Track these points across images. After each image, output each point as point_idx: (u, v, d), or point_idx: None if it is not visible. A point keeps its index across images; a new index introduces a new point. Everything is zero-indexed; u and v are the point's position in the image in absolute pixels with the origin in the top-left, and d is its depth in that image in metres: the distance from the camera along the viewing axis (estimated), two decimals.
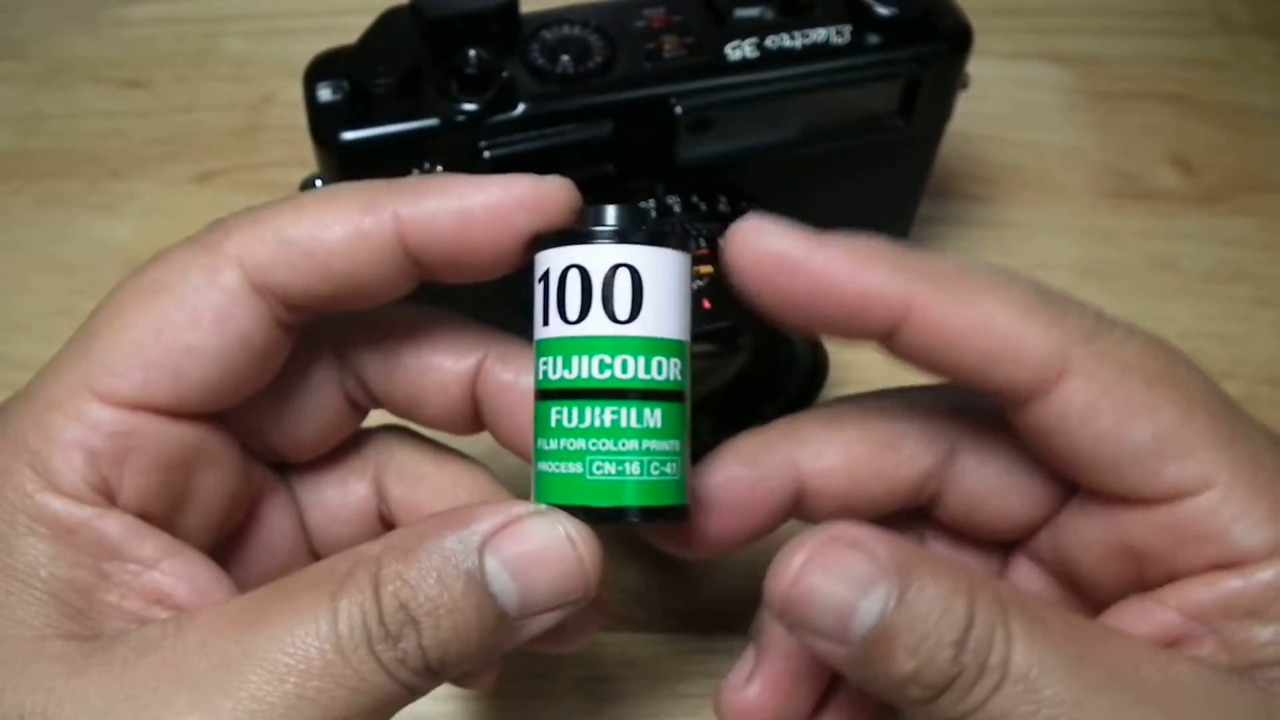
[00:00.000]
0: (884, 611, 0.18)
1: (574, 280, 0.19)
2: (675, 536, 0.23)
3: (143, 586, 0.20)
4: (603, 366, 0.19)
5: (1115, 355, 0.19)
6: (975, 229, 0.42)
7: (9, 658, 0.18)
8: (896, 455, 0.23)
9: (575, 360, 0.19)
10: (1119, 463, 0.20)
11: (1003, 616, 0.18)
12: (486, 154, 0.30)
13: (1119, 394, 0.19)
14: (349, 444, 0.25)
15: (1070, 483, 0.22)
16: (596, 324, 0.19)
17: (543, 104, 0.31)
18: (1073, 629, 0.19)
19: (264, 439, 0.23)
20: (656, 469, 0.20)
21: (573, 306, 0.19)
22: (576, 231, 0.20)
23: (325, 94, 0.31)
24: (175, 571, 0.20)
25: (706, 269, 0.27)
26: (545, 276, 0.20)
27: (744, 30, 0.32)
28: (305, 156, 0.31)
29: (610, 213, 0.20)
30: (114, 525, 0.20)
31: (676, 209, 0.31)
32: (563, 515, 0.19)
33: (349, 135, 0.30)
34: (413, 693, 0.19)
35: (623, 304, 0.19)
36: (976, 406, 0.23)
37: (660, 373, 0.20)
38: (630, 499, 0.20)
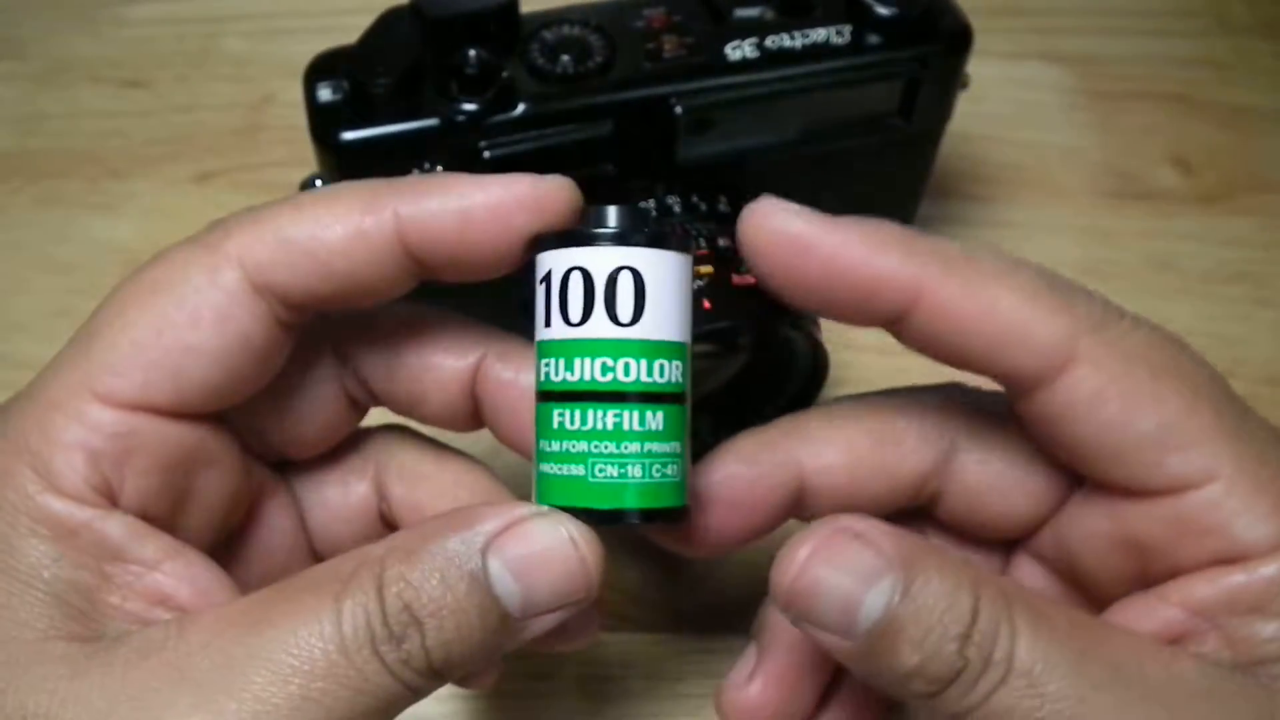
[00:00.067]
0: (889, 605, 0.18)
1: (576, 282, 0.19)
2: (676, 536, 0.23)
3: (145, 588, 0.20)
4: (605, 369, 0.19)
5: (1122, 345, 0.20)
6: (975, 229, 0.42)
7: (12, 659, 0.18)
8: (897, 453, 0.23)
9: (577, 362, 0.19)
10: (1123, 452, 0.20)
11: (1007, 611, 0.18)
12: (486, 154, 0.30)
13: (1125, 383, 0.19)
14: (349, 443, 0.25)
15: (1074, 473, 0.22)
16: (599, 326, 0.19)
17: (543, 104, 0.31)
18: (1076, 625, 0.19)
19: (264, 438, 0.23)
20: (658, 471, 0.20)
21: (575, 308, 0.19)
22: (578, 233, 0.20)
23: (325, 94, 0.31)
24: (177, 573, 0.20)
25: (706, 269, 0.27)
26: (547, 278, 0.20)
27: (744, 30, 0.32)
28: (305, 156, 0.31)
29: (612, 214, 0.20)
30: (116, 526, 0.20)
31: (676, 209, 0.31)
32: (565, 517, 0.20)
33: (349, 135, 0.30)
34: (416, 694, 0.19)
35: (625, 306, 0.19)
36: (977, 405, 0.23)
37: (662, 375, 0.20)
38: (631, 501, 0.20)
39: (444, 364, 0.23)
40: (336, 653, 0.18)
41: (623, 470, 0.19)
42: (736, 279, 0.26)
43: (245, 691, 0.18)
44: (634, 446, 0.19)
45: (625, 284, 0.19)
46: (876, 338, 0.21)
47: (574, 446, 0.20)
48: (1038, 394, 0.20)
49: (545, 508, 0.20)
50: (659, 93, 0.31)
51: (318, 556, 0.25)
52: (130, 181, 0.44)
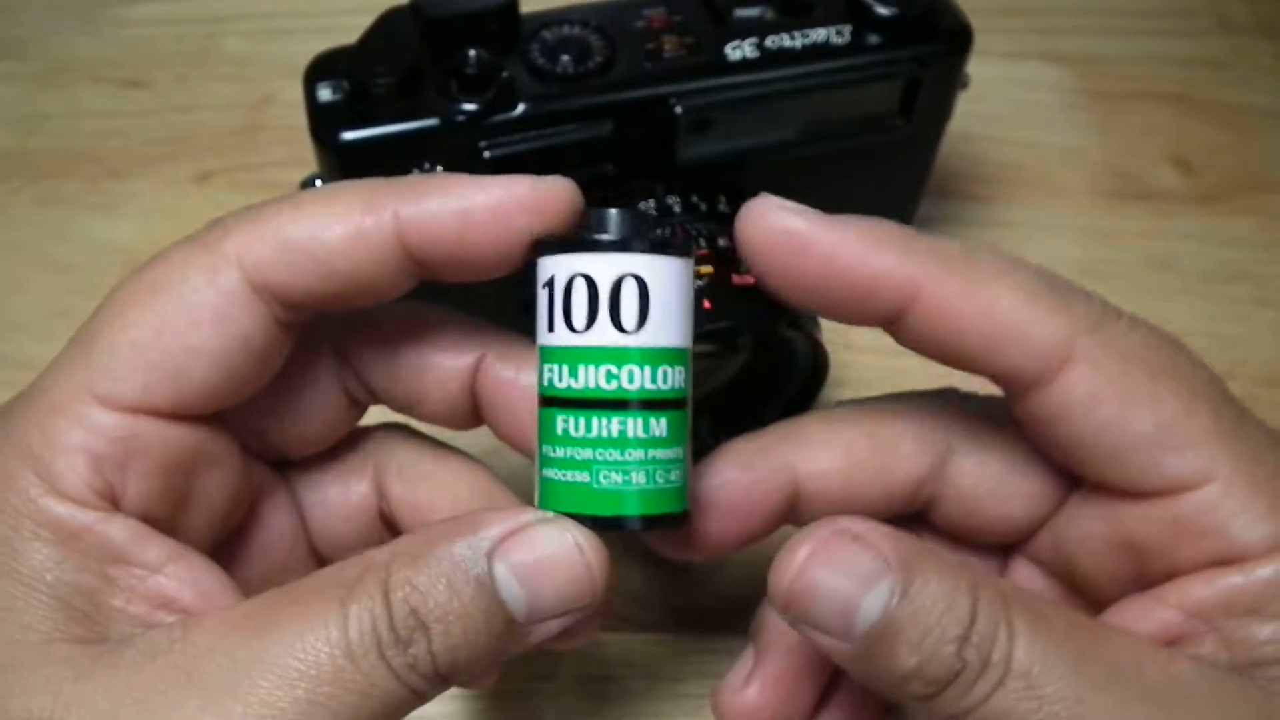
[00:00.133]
0: (887, 607, 0.18)
1: (580, 289, 0.19)
2: (672, 540, 0.23)
3: (148, 591, 0.20)
4: (609, 377, 0.19)
5: (1120, 345, 0.20)
6: (975, 229, 0.42)
7: (15, 661, 0.18)
8: (892, 458, 0.23)
9: (582, 370, 0.19)
10: (1120, 453, 0.20)
11: (1005, 613, 0.18)
12: (486, 154, 0.30)
13: (1122, 384, 0.19)
14: (348, 442, 0.25)
15: (1070, 474, 0.22)
16: (603, 334, 0.19)
17: (543, 104, 0.31)
18: (1074, 626, 0.19)
19: (264, 437, 0.23)
20: (661, 477, 0.20)
21: (579, 315, 0.19)
22: (583, 239, 0.20)
23: (325, 94, 0.31)
24: (180, 575, 0.20)
25: (706, 269, 0.27)
26: (550, 283, 0.20)
27: (744, 30, 0.32)
28: (305, 156, 0.31)
29: (615, 219, 0.20)
30: (118, 530, 0.20)
31: (676, 209, 0.31)
32: (570, 523, 0.20)
33: (349, 135, 0.30)
34: (420, 698, 0.19)
35: (630, 314, 0.19)
36: (973, 409, 0.23)
37: (665, 382, 0.20)
38: (634, 508, 0.20)
39: (444, 363, 0.23)
40: (343, 657, 0.18)
41: (627, 477, 0.20)
42: (736, 279, 0.26)
43: (251, 695, 0.18)
44: (638, 453, 0.20)
45: (629, 291, 0.19)
46: (876, 338, 0.21)
47: (579, 453, 0.20)
48: (1035, 394, 0.20)
49: (551, 513, 0.20)
50: (659, 93, 0.31)
51: (317, 555, 0.25)
52: (130, 181, 0.44)
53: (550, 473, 0.20)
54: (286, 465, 0.25)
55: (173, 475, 0.21)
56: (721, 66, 0.31)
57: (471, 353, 0.23)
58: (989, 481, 0.23)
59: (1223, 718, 0.19)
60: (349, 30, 0.31)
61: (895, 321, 0.20)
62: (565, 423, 0.20)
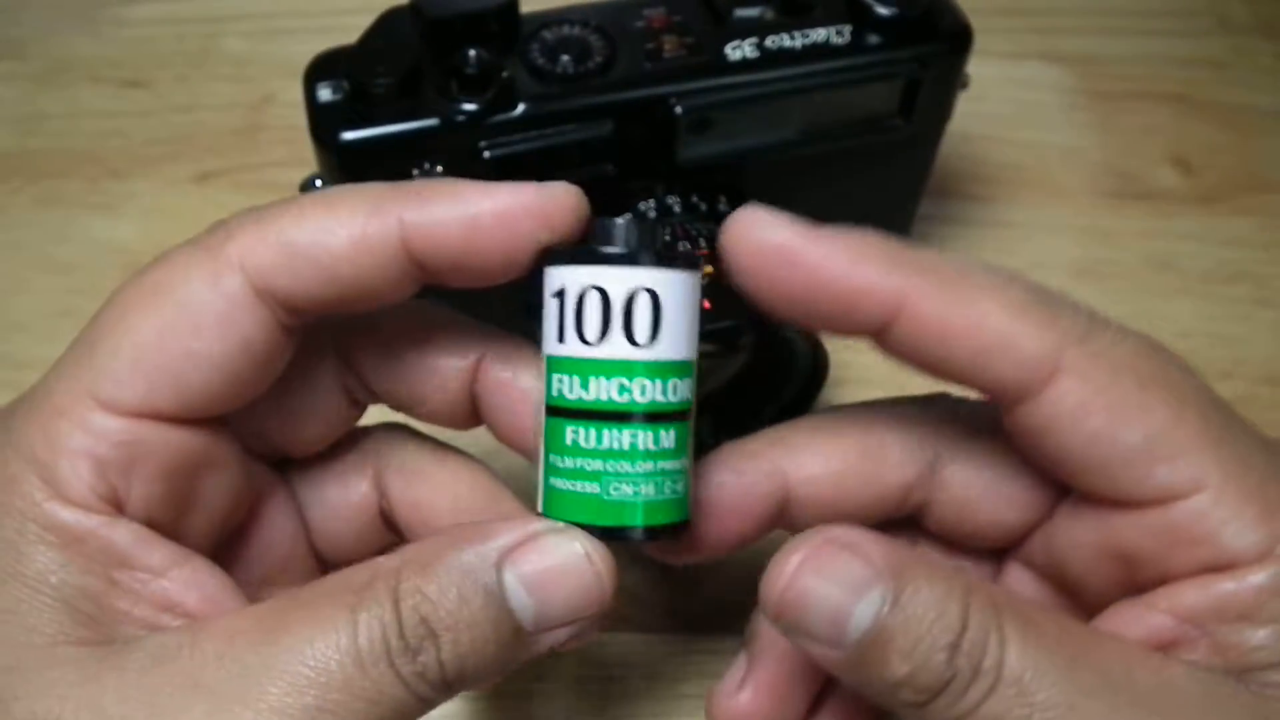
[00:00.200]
0: (878, 615, 0.18)
1: (593, 301, 0.19)
2: (667, 544, 0.23)
3: (152, 594, 0.20)
4: (622, 390, 0.19)
5: (1108, 356, 0.19)
6: (975, 229, 0.42)
7: (20, 664, 0.18)
8: (882, 463, 0.23)
9: (593, 382, 0.20)
10: (1110, 464, 0.20)
11: (997, 620, 0.18)
12: (486, 154, 0.30)
13: (1111, 395, 0.19)
14: (349, 442, 0.25)
15: (1061, 484, 0.22)
16: (616, 347, 0.19)
17: (543, 104, 0.31)
18: (1066, 632, 0.19)
19: (265, 437, 0.23)
20: (669, 488, 0.20)
21: (592, 328, 0.19)
22: (596, 251, 0.20)
23: (325, 94, 0.31)
24: (184, 579, 0.20)
25: (707, 269, 0.27)
26: (561, 293, 0.20)
27: (744, 30, 0.32)
28: (305, 156, 0.31)
29: (629, 232, 0.20)
30: (123, 534, 0.20)
31: (676, 209, 0.31)
32: (579, 532, 0.20)
33: (349, 135, 0.30)
34: (427, 706, 0.19)
35: (642, 328, 0.19)
36: (964, 414, 0.23)
37: (675, 394, 0.20)
38: (640, 519, 0.20)
39: (444, 363, 0.23)
40: (352, 665, 0.18)
41: (636, 488, 0.20)
42: None
43: (261, 702, 0.18)
44: (647, 465, 0.20)
45: (643, 305, 0.19)
46: None
47: (589, 464, 0.20)
48: (1023, 406, 0.20)
49: (560, 523, 0.20)
50: (659, 93, 0.31)
51: (318, 555, 0.25)
52: (130, 181, 0.44)
53: (558, 482, 0.20)
54: (286, 465, 0.25)
55: (176, 479, 0.21)
56: (721, 66, 0.31)
57: (471, 354, 0.23)
58: (979, 487, 0.23)
59: None
60: (349, 30, 0.31)
61: (882, 334, 0.20)
62: (575, 433, 0.20)
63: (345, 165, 0.30)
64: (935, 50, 0.32)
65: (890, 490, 0.23)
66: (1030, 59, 0.49)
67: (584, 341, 0.19)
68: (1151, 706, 0.18)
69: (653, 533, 0.20)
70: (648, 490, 0.20)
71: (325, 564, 0.25)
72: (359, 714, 0.18)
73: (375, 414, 0.25)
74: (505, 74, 0.30)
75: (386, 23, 0.31)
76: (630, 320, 0.19)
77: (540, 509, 0.20)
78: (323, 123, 0.30)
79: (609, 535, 0.20)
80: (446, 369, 0.23)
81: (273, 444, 0.23)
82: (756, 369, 0.31)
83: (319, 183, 0.32)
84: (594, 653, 0.32)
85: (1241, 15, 0.51)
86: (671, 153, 0.32)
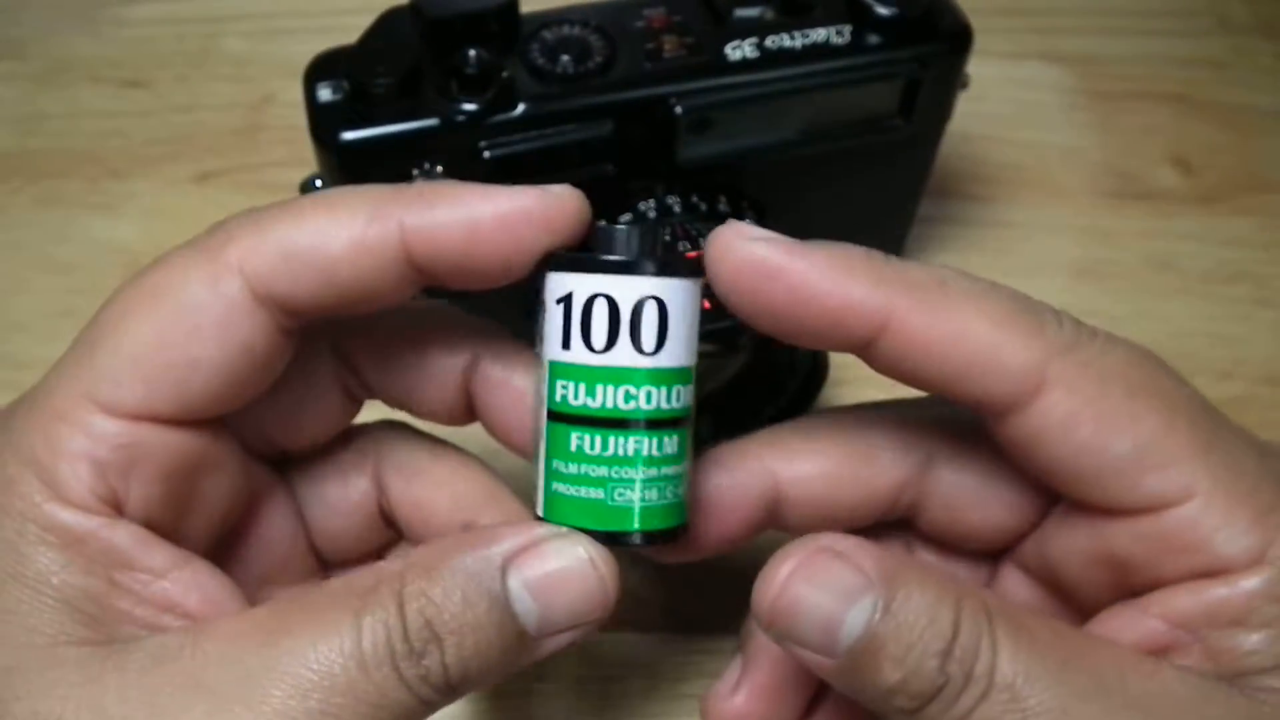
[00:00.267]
0: (870, 622, 0.18)
1: (600, 309, 0.19)
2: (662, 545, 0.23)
3: (153, 595, 0.20)
4: (628, 397, 0.20)
5: (1096, 365, 0.19)
6: (975, 229, 0.42)
7: (23, 664, 0.18)
8: (872, 465, 0.23)
9: (600, 389, 0.20)
10: (1100, 474, 0.20)
11: (988, 625, 0.19)
12: (486, 154, 0.30)
13: (1099, 405, 0.19)
14: (348, 439, 0.25)
15: (1052, 493, 0.22)
16: (623, 355, 0.19)
17: (543, 104, 0.31)
18: (1058, 637, 0.19)
19: (263, 435, 0.23)
20: (671, 493, 0.20)
21: (598, 336, 0.19)
22: (608, 260, 0.20)
23: (325, 94, 0.31)
24: (185, 581, 0.20)
25: None
26: (567, 300, 0.20)
27: (744, 30, 0.32)
28: (305, 156, 0.31)
29: (633, 239, 0.20)
30: (123, 535, 0.20)
31: (676, 209, 0.31)
32: (583, 537, 0.20)
33: (349, 135, 0.30)
34: (429, 709, 0.19)
35: (649, 336, 0.19)
36: (955, 418, 0.23)
37: (679, 401, 0.20)
38: (641, 523, 0.20)
39: (439, 361, 0.23)
40: (356, 668, 0.18)
41: (639, 494, 0.20)
42: None
43: (264, 705, 0.18)
44: (650, 471, 0.20)
45: (650, 314, 0.19)
46: None
47: (593, 470, 0.20)
48: (1011, 419, 0.20)
49: (563, 528, 0.20)
50: (659, 93, 0.31)
51: (318, 554, 0.25)
52: (130, 181, 0.44)
53: (561, 487, 0.20)
54: (285, 464, 0.25)
55: (175, 480, 0.21)
56: (721, 66, 0.31)
57: (467, 351, 0.23)
58: (970, 490, 0.23)
59: None
60: (349, 30, 0.31)
61: (867, 349, 0.20)
62: (580, 440, 0.20)
63: (345, 165, 0.30)
64: (935, 50, 0.32)
65: (881, 491, 0.23)
66: (1030, 59, 0.49)
67: (590, 349, 0.19)
68: (1144, 711, 0.18)
69: (653, 537, 0.20)
70: (650, 495, 0.20)
71: (325, 563, 0.26)
72: (362, 717, 0.18)
73: (371, 409, 0.25)
74: (505, 74, 0.30)
75: (386, 23, 0.31)
76: (637, 329, 0.19)
77: (540, 512, 0.21)
78: (323, 123, 0.30)
79: (610, 540, 0.20)
80: (442, 367, 0.23)
81: (271, 442, 0.23)
82: (756, 369, 0.31)
83: (319, 183, 0.32)
84: (594, 653, 0.32)
85: (1241, 15, 0.51)
86: (671, 153, 0.32)
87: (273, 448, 0.24)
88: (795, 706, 0.24)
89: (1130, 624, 0.20)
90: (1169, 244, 0.42)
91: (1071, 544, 0.21)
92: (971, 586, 0.20)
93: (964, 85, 0.35)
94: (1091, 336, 0.20)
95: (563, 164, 0.31)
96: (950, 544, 0.24)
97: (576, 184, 0.20)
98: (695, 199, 0.31)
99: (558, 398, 0.20)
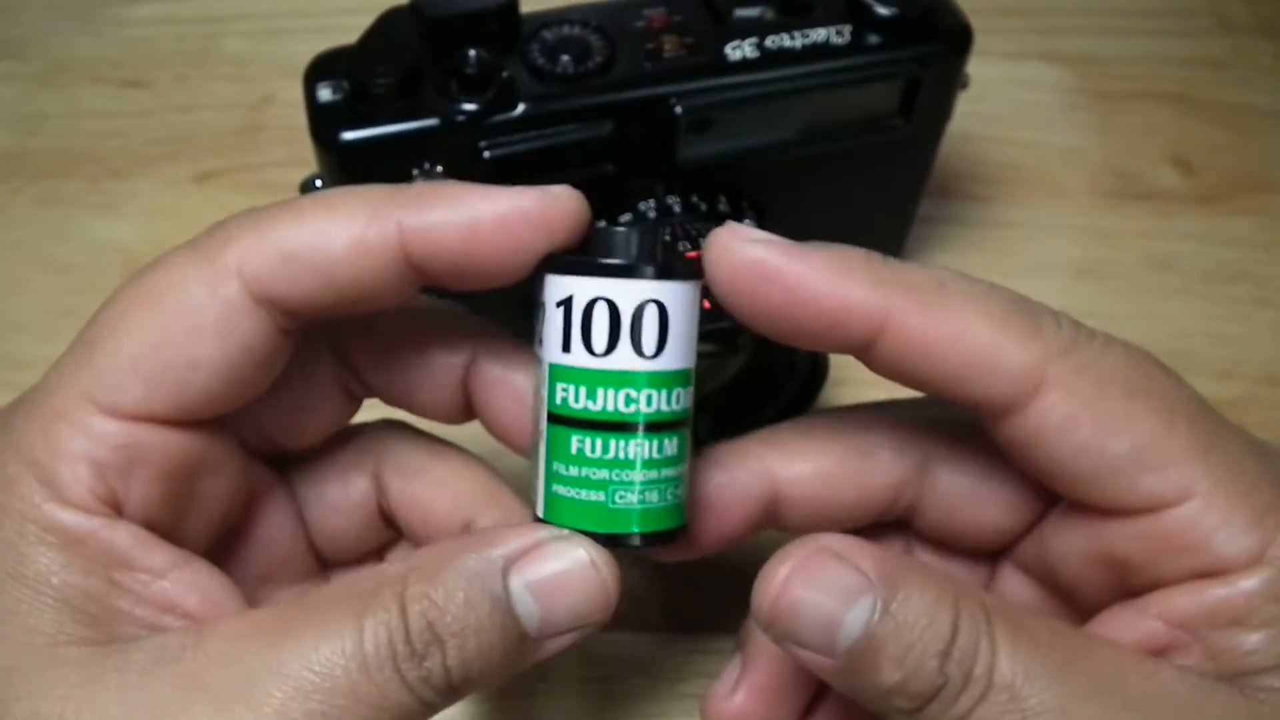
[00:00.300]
0: (869, 623, 0.18)
1: (601, 312, 0.19)
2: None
3: (153, 596, 0.20)
4: (629, 401, 0.20)
5: (1094, 367, 0.19)
6: (975, 229, 0.42)
7: (23, 664, 0.18)
8: (869, 464, 0.23)
9: (600, 392, 0.20)
10: (1098, 475, 0.20)
11: (987, 626, 0.19)
12: (486, 154, 0.30)
13: (1098, 406, 0.19)
14: (347, 439, 0.25)
15: (1051, 493, 0.22)
16: (624, 359, 0.19)
17: (543, 104, 0.31)
18: (1057, 637, 0.19)
19: (262, 434, 0.23)
20: (670, 494, 0.20)
21: (599, 339, 0.19)
22: (608, 263, 0.20)
23: (325, 94, 0.31)
24: (185, 581, 0.20)
25: None
26: (567, 302, 0.20)
27: (744, 30, 0.32)
28: (305, 156, 0.31)
29: (636, 242, 0.20)
30: (122, 536, 0.20)
31: (676, 209, 0.31)
32: (584, 539, 0.20)
33: (349, 135, 0.30)
34: (431, 710, 0.19)
35: (650, 340, 0.19)
36: (952, 418, 0.23)
37: (678, 403, 0.20)
38: (641, 525, 0.20)
39: (437, 359, 0.23)
40: (358, 670, 0.18)
41: (640, 496, 0.20)
42: None
43: (265, 706, 0.18)
44: (651, 473, 0.20)
45: (651, 317, 0.19)
46: None
47: (594, 473, 0.20)
48: (1009, 420, 0.20)
49: (565, 530, 0.20)
50: (659, 93, 0.31)
51: (317, 553, 0.25)
52: (130, 181, 0.44)
53: (562, 489, 0.20)
54: (285, 463, 0.25)
55: (175, 480, 0.21)
56: (721, 66, 0.31)
57: (466, 350, 0.23)
58: (968, 490, 0.23)
59: None
60: (349, 30, 0.31)
61: (865, 350, 0.20)
62: (581, 443, 0.20)
63: (345, 165, 0.30)
64: (935, 50, 0.32)
65: (879, 491, 0.23)
66: (1030, 59, 0.49)
67: (591, 352, 0.19)
68: (1144, 711, 0.18)
69: (653, 538, 0.20)
70: (650, 497, 0.20)
71: (324, 562, 0.26)
72: (363, 719, 0.18)
73: (371, 408, 0.25)
74: (505, 74, 0.30)
75: (386, 23, 0.31)
76: (638, 332, 0.19)
77: (540, 514, 0.21)
78: (323, 123, 0.30)
79: (611, 542, 0.20)
80: (441, 366, 0.23)
81: (270, 441, 0.24)
82: (756, 369, 0.31)
83: (319, 183, 0.32)
84: (594, 653, 0.32)
85: (1241, 15, 0.51)
86: (671, 153, 0.32)
87: (272, 447, 0.24)
88: (795, 706, 0.24)
89: (1130, 624, 0.20)
90: (1169, 244, 0.42)
91: (1070, 544, 0.21)
92: (970, 587, 0.20)
93: (964, 85, 0.35)
94: (1090, 337, 0.20)
95: (563, 164, 0.31)
96: (949, 544, 0.24)
97: (576, 184, 0.20)
98: (695, 199, 0.31)
99: (558, 400, 0.20)
